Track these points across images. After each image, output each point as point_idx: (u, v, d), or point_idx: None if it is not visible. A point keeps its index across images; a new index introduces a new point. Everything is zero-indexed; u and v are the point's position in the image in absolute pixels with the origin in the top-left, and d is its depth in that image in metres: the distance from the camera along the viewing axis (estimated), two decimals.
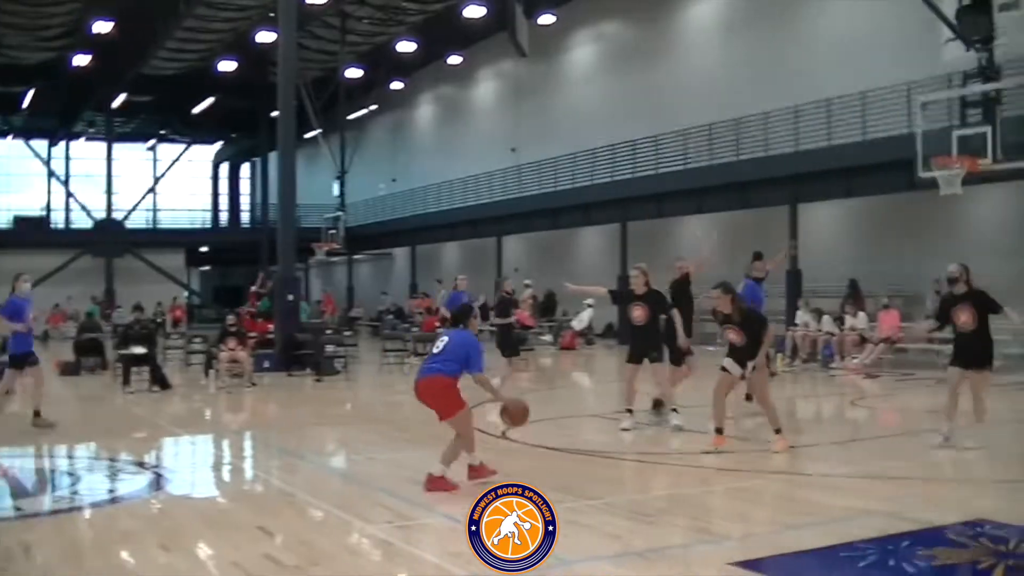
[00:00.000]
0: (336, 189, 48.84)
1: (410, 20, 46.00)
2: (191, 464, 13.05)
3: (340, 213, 46.09)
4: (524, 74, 45.65)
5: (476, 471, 9.94)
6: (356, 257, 59.05)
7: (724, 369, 11.89)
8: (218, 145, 72.69)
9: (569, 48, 43.79)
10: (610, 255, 36.07)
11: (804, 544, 7.58)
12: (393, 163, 58.07)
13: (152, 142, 68.98)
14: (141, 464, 12.21)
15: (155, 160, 69.49)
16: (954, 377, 11.90)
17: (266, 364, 24.06)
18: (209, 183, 75.03)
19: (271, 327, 26.18)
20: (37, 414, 14.49)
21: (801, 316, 24.83)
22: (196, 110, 59.29)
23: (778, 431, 11.75)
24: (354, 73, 51.21)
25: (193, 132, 66.52)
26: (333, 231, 45.33)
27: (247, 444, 14.51)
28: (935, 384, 19.35)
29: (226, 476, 12.00)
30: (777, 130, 29.70)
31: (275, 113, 30.26)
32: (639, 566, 7.01)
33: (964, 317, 11.74)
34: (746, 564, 6.84)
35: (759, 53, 33.57)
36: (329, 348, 23.97)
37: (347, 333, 26.57)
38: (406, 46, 47.53)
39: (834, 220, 31.35)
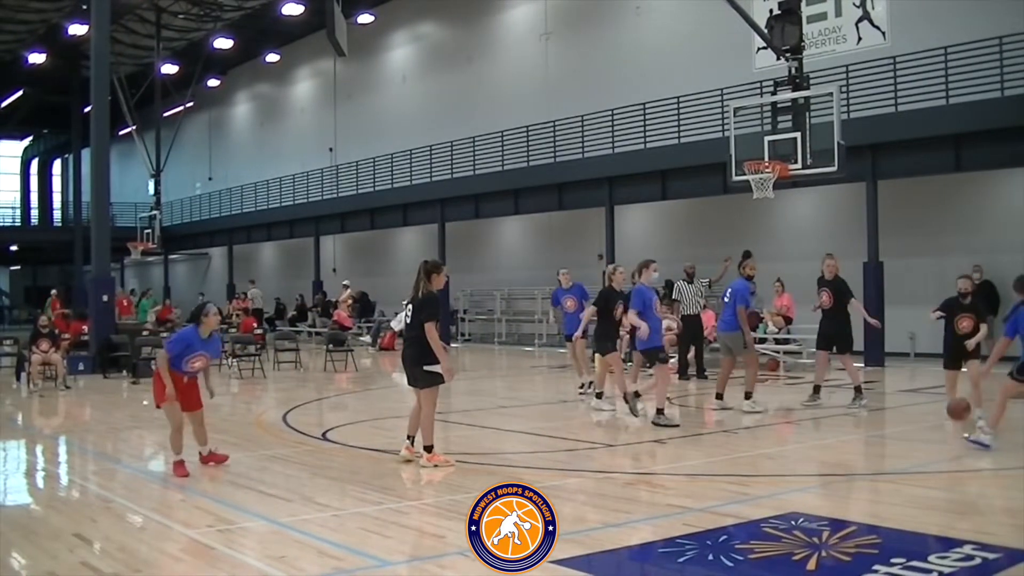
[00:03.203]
0: (151, 187, 47.84)
1: (227, 17, 45.40)
2: (2, 471, 12.61)
3: (155, 212, 45.15)
4: (343, 73, 45.55)
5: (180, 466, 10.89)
6: (172, 257, 58.08)
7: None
8: (27, 140, 70.32)
9: (388, 48, 43.82)
10: (428, 255, 36.08)
11: (625, 541, 7.69)
12: (210, 161, 57.25)
13: None
14: None
15: None
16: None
17: (80, 366, 23.58)
18: (18, 179, 72.55)
19: (85, 328, 25.64)
20: (660, 412, 13.88)
21: None
22: (3, 103, 57.25)
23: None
24: (169, 69, 50.09)
25: (0, 126, 64.28)
26: (148, 230, 44.48)
27: (62, 449, 14.15)
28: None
29: (40, 482, 11.68)
30: (594, 133, 30.26)
31: (88, 108, 29.56)
32: (463, 565, 7.05)
33: (964, 323, 12.99)
34: (567, 562, 6.87)
35: (577, 57, 34.20)
36: (145, 350, 23.57)
37: (164, 334, 26.07)
38: (223, 43, 46.80)
39: (650, 222, 32.09)
